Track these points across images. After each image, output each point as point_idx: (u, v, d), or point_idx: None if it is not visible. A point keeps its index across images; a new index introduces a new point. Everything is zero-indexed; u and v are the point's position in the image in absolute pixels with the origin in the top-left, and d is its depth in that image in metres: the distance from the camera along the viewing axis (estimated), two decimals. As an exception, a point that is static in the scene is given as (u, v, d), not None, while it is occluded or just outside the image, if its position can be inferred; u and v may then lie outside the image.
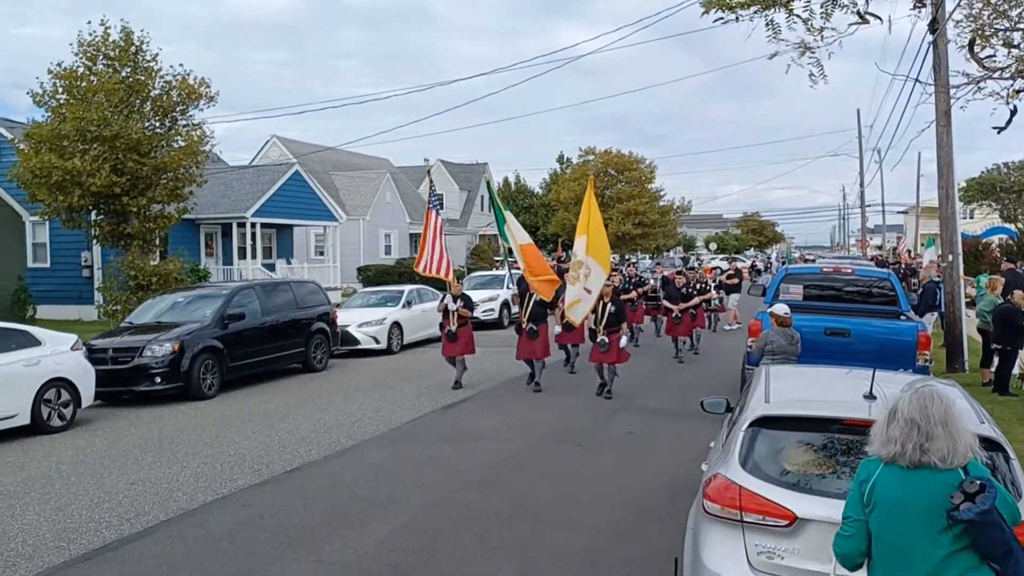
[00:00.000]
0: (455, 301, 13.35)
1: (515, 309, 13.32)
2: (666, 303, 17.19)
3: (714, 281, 21.74)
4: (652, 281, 20.17)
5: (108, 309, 20.53)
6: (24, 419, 10.38)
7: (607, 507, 7.22)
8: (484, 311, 21.55)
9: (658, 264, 27.97)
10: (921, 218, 53.66)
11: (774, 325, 9.33)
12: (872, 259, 37.40)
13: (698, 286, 17.61)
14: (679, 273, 18.55)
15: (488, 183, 15.15)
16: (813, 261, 28.38)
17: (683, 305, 16.65)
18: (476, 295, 18.83)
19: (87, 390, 11.31)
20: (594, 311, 11.94)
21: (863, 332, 10.69)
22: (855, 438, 4.26)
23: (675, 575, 4.79)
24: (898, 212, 70.80)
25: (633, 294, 17.88)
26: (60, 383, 10.85)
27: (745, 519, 4.02)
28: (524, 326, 13.04)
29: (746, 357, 11.37)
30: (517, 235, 13.36)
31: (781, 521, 3.94)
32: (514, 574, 5.83)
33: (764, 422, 4.40)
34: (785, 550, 3.95)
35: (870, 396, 4.50)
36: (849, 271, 12.58)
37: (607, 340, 11.91)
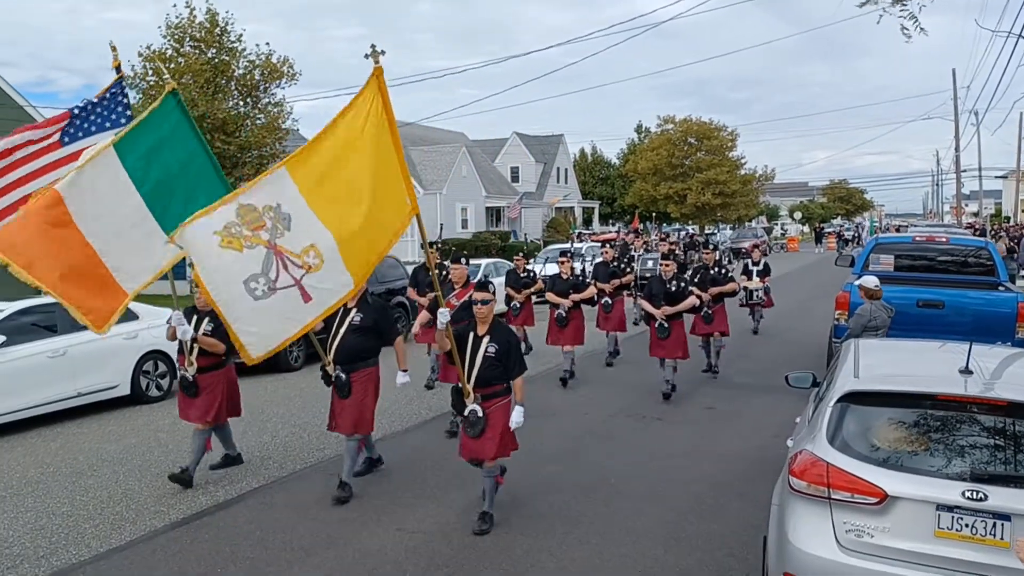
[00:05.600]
0: (199, 322, 7.51)
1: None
2: (644, 304, 10.84)
3: (757, 264, 16.47)
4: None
5: (200, 284, 21.38)
6: (124, 389, 10.94)
7: (687, 482, 7.16)
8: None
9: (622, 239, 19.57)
10: (1022, 183, 50.80)
11: (864, 298, 8.84)
12: (968, 227, 35.75)
13: (698, 277, 11.93)
14: (666, 256, 11.31)
15: None
16: (906, 230, 27.20)
17: (670, 309, 10.22)
18: (553, 270, 15.27)
19: (182, 362, 11.79)
20: (451, 352, 6.34)
21: (958, 304, 10.28)
22: (950, 414, 4.11)
23: (764, 553, 4.73)
24: (996, 177, 67.52)
25: (590, 290, 11.87)
26: (157, 355, 11.37)
27: (833, 496, 3.93)
28: (332, 371, 7.13)
29: (833, 330, 11.06)
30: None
31: (870, 499, 3.84)
32: (594, 548, 5.84)
33: (853, 397, 4.28)
34: (875, 528, 3.85)
35: (966, 371, 4.33)
36: (943, 240, 12.06)
37: (480, 413, 6.20)
